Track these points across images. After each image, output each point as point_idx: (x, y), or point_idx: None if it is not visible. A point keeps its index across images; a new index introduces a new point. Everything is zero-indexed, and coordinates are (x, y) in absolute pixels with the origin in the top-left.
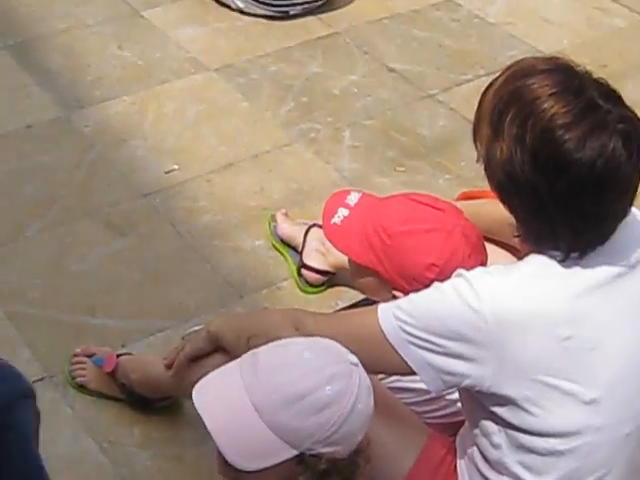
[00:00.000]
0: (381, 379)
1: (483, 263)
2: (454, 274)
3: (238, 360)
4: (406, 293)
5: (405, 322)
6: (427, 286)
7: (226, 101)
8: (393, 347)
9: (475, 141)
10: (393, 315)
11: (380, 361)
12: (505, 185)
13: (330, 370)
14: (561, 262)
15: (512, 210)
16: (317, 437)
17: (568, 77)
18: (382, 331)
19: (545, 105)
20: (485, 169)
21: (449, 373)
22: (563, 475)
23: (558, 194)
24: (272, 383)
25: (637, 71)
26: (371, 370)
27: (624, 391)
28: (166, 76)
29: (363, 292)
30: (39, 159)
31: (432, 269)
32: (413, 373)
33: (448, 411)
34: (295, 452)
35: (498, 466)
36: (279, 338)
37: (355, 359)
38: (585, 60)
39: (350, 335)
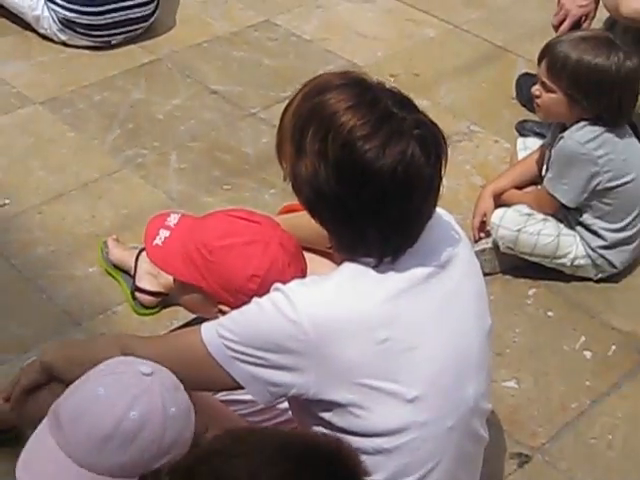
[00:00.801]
0: (213, 393)
1: (303, 271)
2: (272, 288)
3: (45, 420)
4: (232, 307)
5: (228, 339)
6: (251, 297)
7: (53, 133)
8: (219, 364)
9: (280, 161)
10: (217, 333)
11: (208, 379)
12: (312, 199)
13: (127, 395)
14: (375, 268)
15: (322, 222)
16: (146, 459)
17: (362, 90)
18: (207, 351)
19: (343, 119)
20: (292, 186)
21: (275, 384)
22: (394, 472)
23: (364, 203)
24: (78, 434)
25: (448, 77)
26: (199, 389)
27: (444, 386)
28: None
29: (189, 309)
30: None
31: (254, 280)
32: (241, 387)
33: (281, 419)
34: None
35: None
36: None
37: (148, 368)
38: (399, 70)
39: (176, 357)
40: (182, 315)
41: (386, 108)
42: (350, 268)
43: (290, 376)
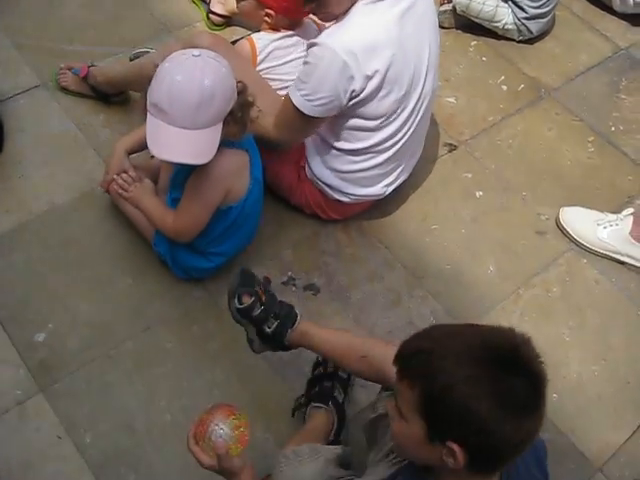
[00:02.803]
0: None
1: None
2: (308, 45)
3: (148, 115)
4: (274, 10)
5: (305, 94)
6: (287, 1)
7: None
8: (302, 112)
9: None
10: (299, 94)
11: (296, 125)
12: None
13: (196, 71)
14: (374, 2)
15: None
16: (224, 105)
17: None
18: (296, 107)
19: None
20: None
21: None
22: (381, 139)
23: None
24: (178, 110)
25: None
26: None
27: (418, 79)
28: None
29: (245, 15)
30: None
31: None
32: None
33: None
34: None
35: (338, 135)
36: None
37: (196, 51)
38: None
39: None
40: (239, 32)
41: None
42: (360, 8)
43: (355, 85)
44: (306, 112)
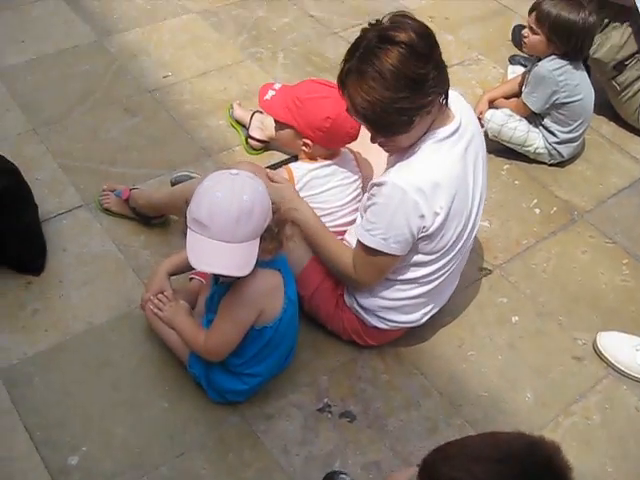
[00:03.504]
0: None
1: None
2: (373, 185)
3: (189, 231)
4: (312, 140)
5: (376, 233)
6: (325, 133)
7: (203, 33)
8: (381, 252)
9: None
10: (373, 236)
11: (378, 266)
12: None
13: (235, 188)
14: (441, 141)
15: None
16: (261, 222)
17: None
18: (370, 248)
19: None
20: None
21: (417, 233)
22: (428, 273)
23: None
24: (218, 225)
25: (467, 22)
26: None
27: (467, 222)
28: (165, 15)
29: (283, 143)
30: (82, 67)
31: (328, 121)
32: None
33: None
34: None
35: None
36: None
37: (234, 171)
38: (435, 14)
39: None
40: (275, 157)
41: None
42: (428, 145)
43: (423, 223)
44: (386, 251)
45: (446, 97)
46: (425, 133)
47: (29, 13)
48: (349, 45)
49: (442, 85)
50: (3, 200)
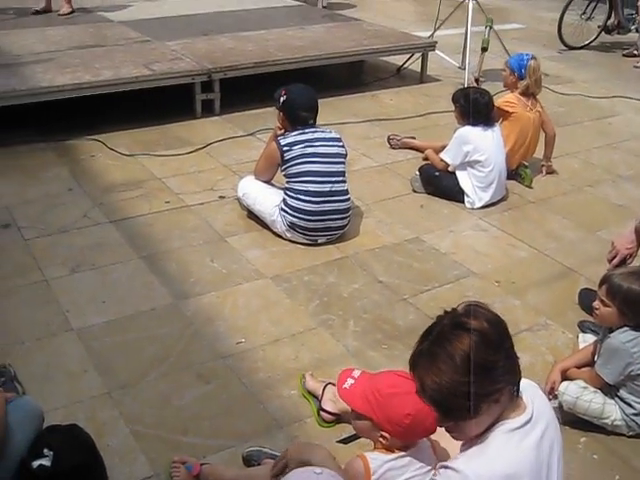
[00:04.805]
0: None
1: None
2: (441, 467)
3: None
4: (390, 434)
5: None
6: (404, 429)
7: (276, 298)
8: None
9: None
10: None
11: None
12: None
13: None
14: (513, 431)
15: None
16: None
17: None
18: None
19: None
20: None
21: None
22: None
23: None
24: None
25: (533, 286)
26: None
27: None
28: (239, 280)
29: (359, 431)
30: (158, 330)
31: (408, 417)
32: None
33: None
34: None
35: None
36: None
37: (318, 469)
38: (501, 278)
39: None
40: (347, 430)
41: None
42: (499, 435)
43: None
44: None
45: (517, 388)
46: (494, 423)
47: (110, 274)
48: (418, 311)
49: (512, 375)
50: (76, 476)
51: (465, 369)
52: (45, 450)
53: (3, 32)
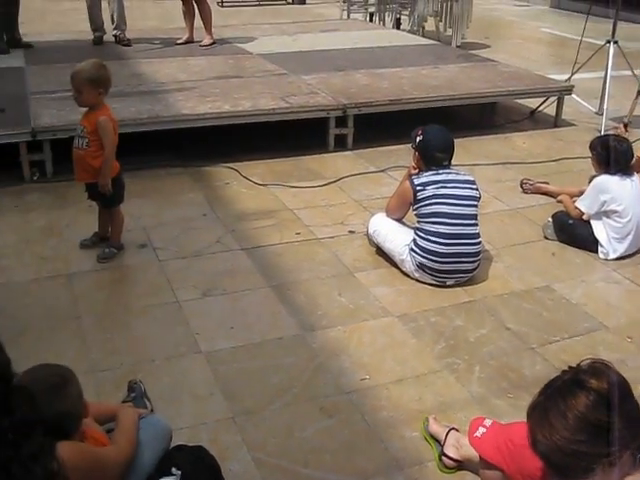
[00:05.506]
0: None
1: None
2: None
3: None
4: None
5: None
6: None
7: (401, 337)
8: None
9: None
10: None
11: None
12: None
13: None
14: None
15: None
16: None
17: None
18: None
19: None
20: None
21: None
22: None
23: None
24: None
25: None
26: None
27: None
28: (366, 317)
29: None
30: (284, 360)
31: (540, 470)
32: None
33: None
34: None
35: None
36: None
37: None
38: (635, 334)
39: None
40: (469, 478)
41: None
42: None
43: None
44: None
45: None
46: None
47: (240, 300)
48: (545, 362)
49: (633, 441)
50: None
51: (577, 428)
52: (173, 469)
53: (148, 61)
